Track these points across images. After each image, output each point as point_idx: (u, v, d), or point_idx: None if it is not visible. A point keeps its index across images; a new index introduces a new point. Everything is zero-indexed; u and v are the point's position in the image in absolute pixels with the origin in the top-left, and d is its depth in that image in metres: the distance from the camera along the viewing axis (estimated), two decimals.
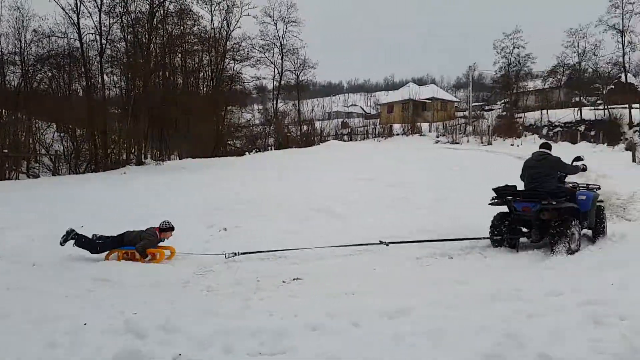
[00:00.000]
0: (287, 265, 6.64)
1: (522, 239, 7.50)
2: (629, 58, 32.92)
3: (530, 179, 7.18)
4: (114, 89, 28.35)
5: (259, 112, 43.42)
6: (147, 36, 25.81)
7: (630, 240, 7.12)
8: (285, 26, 38.53)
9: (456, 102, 58.14)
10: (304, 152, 25.49)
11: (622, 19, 30.65)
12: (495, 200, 7.33)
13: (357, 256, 7.06)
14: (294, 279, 5.86)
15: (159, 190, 13.20)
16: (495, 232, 7.28)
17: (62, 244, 7.02)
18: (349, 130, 44.45)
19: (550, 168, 7.04)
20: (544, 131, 33.65)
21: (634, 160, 19.29)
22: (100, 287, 5.80)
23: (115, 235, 7.20)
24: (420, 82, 71.40)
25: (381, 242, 7.18)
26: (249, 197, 11.09)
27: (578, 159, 7.53)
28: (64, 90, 27.92)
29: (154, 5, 25.40)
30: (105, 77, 25.79)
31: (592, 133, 30.45)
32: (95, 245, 7.11)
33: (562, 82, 38.84)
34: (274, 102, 40.44)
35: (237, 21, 33.52)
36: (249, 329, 4.01)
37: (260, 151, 32.84)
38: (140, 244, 7.02)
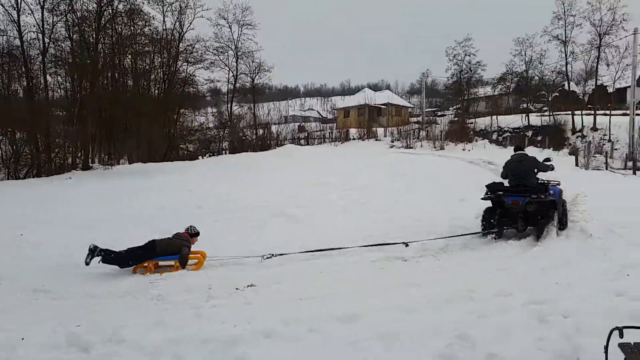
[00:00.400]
0: (240, 272, 6.51)
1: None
2: (571, 67, 34.65)
3: (513, 176, 8.05)
4: (59, 90, 27.07)
5: (213, 116, 42.70)
6: (94, 36, 24.77)
7: (574, 240, 7.41)
8: (240, 29, 38.16)
9: (410, 107, 59.48)
10: (260, 156, 25.29)
11: (565, 30, 32.30)
12: (488, 195, 7.98)
13: (313, 261, 7.03)
14: (248, 286, 5.74)
15: (107, 196, 12.71)
16: (488, 225, 7.91)
17: (87, 263, 6.42)
18: (306, 134, 44.54)
19: (529, 166, 7.99)
20: (494, 136, 34.94)
21: (576, 165, 20.43)
22: (41, 299, 5.51)
23: (142, 245, 6.77)
24: (375, 87, 72.62)
25: (404, 243, 7.61)
26: (203, 203, 10.85)
27: (547, 160, 8.38)
28: (2, 91, 26.35)
29: (102, 4, 24.47)
30: (48, 77, 24.60)
31: (539, 138, 31.81)
32: (127, 258, 6.64)
33: (511, 89, 40.47)
34: (229, 105, 39.87)
35: (190, 23, 32.91)
36: (200, 338, 3.92)
37: (214, 155, 32.30)
38: (185, 252, 6.77)
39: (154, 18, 30.01)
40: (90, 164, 22.76)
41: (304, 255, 7.23)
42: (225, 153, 33.50)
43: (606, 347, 2.84)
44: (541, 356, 3.38)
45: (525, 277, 5.64)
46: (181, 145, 33.21)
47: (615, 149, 25.55)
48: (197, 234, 7.22)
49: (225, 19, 37.60)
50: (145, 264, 6.73)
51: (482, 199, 8.09)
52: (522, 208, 7.58)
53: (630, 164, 20.15)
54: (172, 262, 6.85)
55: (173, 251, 6.82)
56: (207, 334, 3.99)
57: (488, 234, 7.90)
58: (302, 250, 7.37)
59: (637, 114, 25.82)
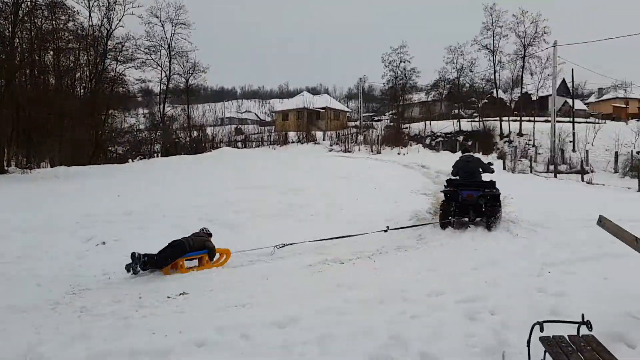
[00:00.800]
0: (172, 280, 6.25)
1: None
2: (499, 75, 36.85)
3: (465, 174, 9.17)
4: None
5: (144, 117, 40.98)
6: (10, 29, 22.91)
7: (501, 240, 7.85)
8: (173, 28, 37.06)
9: (348, 112, 60.53)
10: (194, 159, 24.60)
11: (493, 40, 34.44)
12: (447, 189, 8.99)
13: (248, 267, 6.91)
14: (180, 294, 5.53)
15: (26, 201, 11.75)
16: (445, 215, 8.76)
17: (136, 272, 6.37)
18: (243, 137, 43.98)
19: (476, 165, 9.25)
20: (428, 141, 36.29)
21: (504, 168, 21.66)
22: None
23: (172, 244, 6.81)
24: (314, 91, 73.32)
25: (385, 229, 8.46)
26: (132, 208, 10.34)
27: (490, 163, 9.69)
28: None
29: None
30: None
31: (470, 143, 33.42)
32: (166, 258, 6.65)
33: (444, 96, 42.28)
34: (161, 106, 38.49)
35: (120, 19, 31.47)
36: (128, 350, 3.75)
37: (145, 158, 31.02)
38: (211, 245, 7.11)
39: (78, 13, 28.35)
40: (6, 167, 21.03)
41: (240, 260, 7.10)
42: (158, 156, 32.32)
43: (528, 341, 3.02)
44: (471, 352, 3.51)
45: (456, 276, 5.85)
46: (110, 148, 31.62)
47: (539, 154, 27.30)
48: (211, 234, 7.56)
49: (157, 17, 36.47)
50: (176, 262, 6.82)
51: (442, 192, 9.14)
52: (475, 201, 8.64)
53: (552, 167, 21.65)
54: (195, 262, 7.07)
55: (199, 247, 7.00)
56: (136, 345, 3.81)
57: (445, 224, 8.73)
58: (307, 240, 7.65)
59: (558, 121, 27.85)
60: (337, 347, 3.67)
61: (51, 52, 27.40)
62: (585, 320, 3.00)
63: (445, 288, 5.24)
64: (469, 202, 8.69)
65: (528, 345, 3.02)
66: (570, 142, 27.60)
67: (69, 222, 9.27)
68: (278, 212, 10.50)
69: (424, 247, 7.93)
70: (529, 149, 29.25)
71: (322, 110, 51.55)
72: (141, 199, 11.54)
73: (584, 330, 3.01)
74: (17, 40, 23.98)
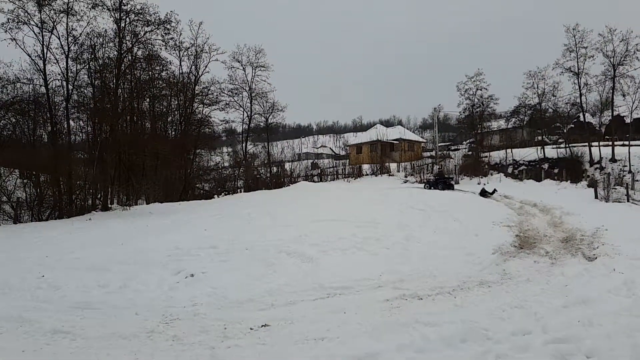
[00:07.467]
0: (254, 312, 6.48)
1: None
2: (586, 99, 33.96)
3: (439, 174, 29.06)
4: (80, 134, 28.14)
5: (228, 155, 43.64)
6: (114, 81, 25.76)
7: (596, 275, 7.31)
8: (253, 71, 39.46)
9: (423, 142, 59.78)
10: (274, 193, 25.49)
11: (577, 62, 32.05)
12: (434, 178, 28.54)
13: (326, 300, 6.97)
14: (262, 326, 5.73)
15: (125, 236, 12.88)
16: (430, 186, 27.72)
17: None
18: (319, 171, 44.90)
19: (443, 174, 28.83)
20: (510, 169, 34.62)
21: (596, 197, 19.96)
22: (59, 340, 5.55)
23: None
24: (387, 123, 73.58)
25: None
26: (217, 242, 10.92)
27: (450, 177, 29.85)
28: (27, 136, 27.44)
29: (122, 52, 25.60)
30: (71, 122, 25.62)
31: (556, 170, 31.33)
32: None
33: (525, 122, 40.30)
34: (244, 144, 40.70)
35: (206, 66, 34.23)
36: None
37: (229, 194, 32.70)
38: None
39: (170, 63, 31.36)
40: (110, 205, 23.20)
41: (318, 293, 7.22)
42: (241, 191, 33.92)
43: None
44: None
45: (544, 314, 5.55)
46: (197, 185, 33.79)
47: (637, 180, 24.72)
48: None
49: (239, 62, 39.06)
50: None
51: (427, 179, 30.01)
52: (444, 182, 27.02)
53: None
54: None
55: None
56: None
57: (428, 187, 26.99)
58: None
59: None
60: None
61: (147, 100, 30.37)
62: None
63: (533, 327, 4.98)
64: (441, 182, 26.15)
65: None
66: None
67: (161, 255, 9.97)
68: (353, 244, 10.50)
69: (509, 282, 7.55)
70: (624, 175, 26.59)
71: (395, 142, 51.38)
72: (225, 233, 12.14)
73: None
74: (120, 91, 26.87)
